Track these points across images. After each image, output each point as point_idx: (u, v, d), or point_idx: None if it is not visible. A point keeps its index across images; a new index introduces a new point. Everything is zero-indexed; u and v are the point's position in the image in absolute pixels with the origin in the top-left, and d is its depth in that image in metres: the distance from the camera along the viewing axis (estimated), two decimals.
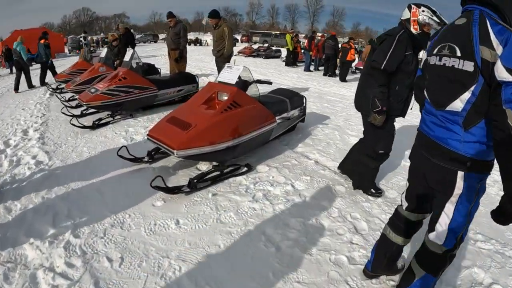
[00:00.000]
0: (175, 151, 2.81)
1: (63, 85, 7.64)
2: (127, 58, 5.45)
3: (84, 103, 4.70)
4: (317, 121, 5.42)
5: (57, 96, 6.49)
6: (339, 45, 12.03)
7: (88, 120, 5.03)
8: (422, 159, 1.53)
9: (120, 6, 77.33)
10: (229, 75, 3.52)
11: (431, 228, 1.53)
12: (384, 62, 2.40)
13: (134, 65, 5.44)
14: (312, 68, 13.15)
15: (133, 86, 5.01)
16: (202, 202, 2.82)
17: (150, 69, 6.52)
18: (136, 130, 4.63)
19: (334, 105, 7.17)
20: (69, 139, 4.35)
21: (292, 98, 4.25)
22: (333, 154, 3.96)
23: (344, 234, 2.41)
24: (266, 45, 20.01)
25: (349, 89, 9.71)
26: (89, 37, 22.63)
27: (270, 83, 3.89)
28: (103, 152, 3.89)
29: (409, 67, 2.48)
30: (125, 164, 3.47)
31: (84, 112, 5.29)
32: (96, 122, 4.67)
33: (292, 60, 14.10)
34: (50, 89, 7.65)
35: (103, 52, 6.73)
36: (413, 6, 2.44)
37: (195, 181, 3.00)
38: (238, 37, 38.11)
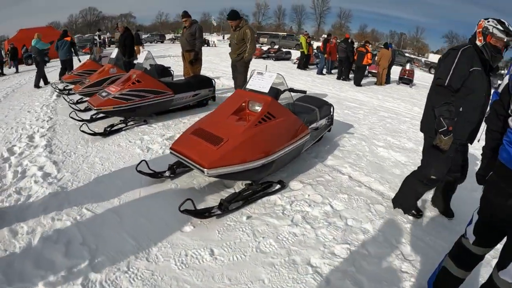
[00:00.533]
0: (205, 170, 2.43)
1: (70, 86, 7.30)
2: (140, 59, 5.07)
3: (95, 108, 4.32)
4: (341, 130, 5.09)
5: (64, 98, 6.12)
6: (354, 48, 11.73)
7: (98, 126, 4.65)
8: (502, 194, 1.43)
9: (126, 6, 77.66)
10: (261, 82, 3.14)
11: (503, 264, 1.43)
12: (448, 78, 2.19)
13: (148, 67, 5.07)
14: (324, 71, 12.76)
15: (147, 90, 4.63)
16: (237, 227, 2.47)
17: (163, 71, 6.15)
18: (152, 138, 4.24)
19: (355, 112, 6.80)
20: (79, 147, 3.96)
21: (321, 107, 3.97)
22: (365, 168, 3.74)
23: (392, 262, 2.23)
24: (276, 46, 19.57)
25: (365, 94, 9.37)
26: (103, 36, 22.34)
27: (304, 92, 3.54)
28: (117, 164, 3.51)
29: (476, 85, 2.24)
30: (144, 179, 3.08)
31: (94, 116, 4.91)
32: (108, 129, 4.29)
33: (304, 63, 13.74)
34: (57, 90, 7.29)
35: (113, 52, 6.34)
36: (481, 19, 2.27)
37: (227, 202, 2.62)
38: None
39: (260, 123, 2.79)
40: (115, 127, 4.42)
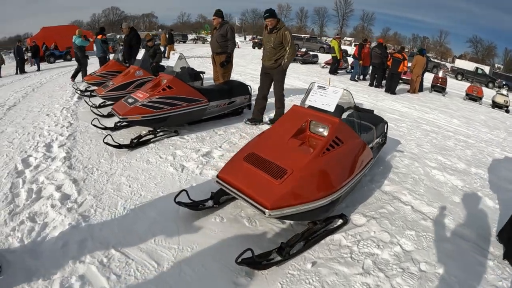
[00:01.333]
0: (267, 211, 1.87)
1: (92, 88, 6.89)
2: (171, 62, 4.54)
3: (120, 117, 3.79)
4: (390, 147, 4.49)
5: (86, 101, 5.66)
6: (388, 54, 11.04)
7: (124, 136, 4.14)
8: None
9: (148, 6, 78.31)
10: (324, 99, 2.60)
11: None
12: None
13: (179, 70, 4.53)
14: (356, 77, 12.09)
15: (179, 97, 4.09)
16: (302, 278, 1.97)
17: (193, 75, 5.63)
18: (185, 154, 3.67)
19: (398, 125, 6.12)
20: (102, 161, 3.44)
21: (378, 125, 3.52)
22: (425, 195, 3.25)
23: None
24: (303, 49, 18.87)
25: (402, 104, 8.65)
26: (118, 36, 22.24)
27: (371, 111, 3.04)
28: (148, 186, 2.95)
29: None
30: (182, 209, 2.51)
31: (118, 124, 4.40)
32: (135, 141, 3.76)
33: (335, 68, 13.00)
34: (78, 92, 6.87)
35: (139, 53, 5.85)
36: None
37: (288, 247, 2.07)
38: None
39: (328, 150, 2.29)
40: (143, 139, 3.88)
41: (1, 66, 12.07)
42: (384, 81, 10.91)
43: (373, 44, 12.45)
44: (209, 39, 13.41)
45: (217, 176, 2.22)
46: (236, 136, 4.32)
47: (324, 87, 2.68)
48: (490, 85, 21.51)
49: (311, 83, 2.91)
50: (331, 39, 14.93)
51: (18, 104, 6.45)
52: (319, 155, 2.21)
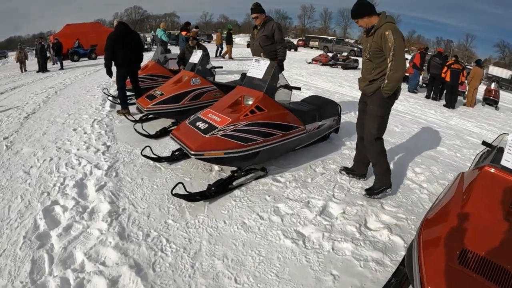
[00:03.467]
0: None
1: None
2: (253, 71, 3.23)
3: (193, 153, 2.42)
4: None
5: (126, 117, 4.40)
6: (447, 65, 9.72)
7: (184, 170, 2.84)
8: None
9: (171, 6, 78.04)
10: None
11: None
12: None
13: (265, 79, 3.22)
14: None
15: (274, 124, 2.81)
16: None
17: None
18: (294, 210, 2.35)
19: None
20: (171, 223, 2.15)
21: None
22: None
23: None
24: (345, 54, 17.37)
25: (472, 122, 7.15)
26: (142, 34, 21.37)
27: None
28: (264, 278, 1.65)
29: None
30: None
31: (176, 154, 3.12)
32: (214, 189, 2.46)
33: None
34: (110, 99, 5.66)
35: (195, 55, 4.52)
36: None
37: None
38: (295, 41, 34.12)
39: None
40: (225, 183, 2.57)
41: (25, 61, 11.78)
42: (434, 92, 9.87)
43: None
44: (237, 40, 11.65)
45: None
46: (343, 177, 2.97)
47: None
48: None
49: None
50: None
51: (38, 111, 5.27)
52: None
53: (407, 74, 12.78)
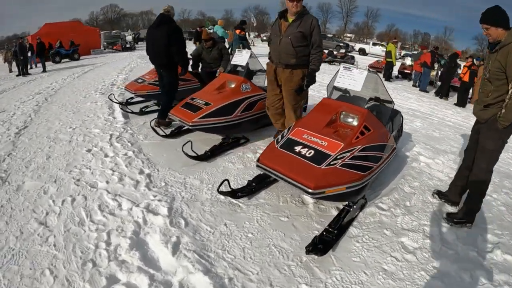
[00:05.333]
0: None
1: (135, 100, 4.81)
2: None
3: (313, 192, 1.81)
4: None
5: (156, 130, 3.50)
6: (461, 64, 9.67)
7: (273, 206, 2.04)
8: None
9: (147, 3, 75.97)
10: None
11: None
12: None
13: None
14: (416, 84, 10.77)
15: (379, 145, 2.28)
16: None
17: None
18: (416, 240, 2.02)
19: None
20: (303, 286, 1.37)
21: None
22: None
23: None
24: (342, 50, 16.98)
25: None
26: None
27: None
28: None
29: None
30: None
31: (254, 185, 2.31)
32: (335, 231, 1.76)
33: (389, 74, 11.36)
34: (124, 108, 4.72)
35: (240, 55, 3.58)
36: None
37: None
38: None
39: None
40: (343, 222, 1.86)
41: (13, 62, 10.54)
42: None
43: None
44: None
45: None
46: (434, 198, 2.38)
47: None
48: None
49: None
50: (387, 42, 13.10)
51: (30, 125, 4.26)
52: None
53: (407, 71, 12.65)
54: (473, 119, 2.43)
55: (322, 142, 2.13)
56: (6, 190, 2.47)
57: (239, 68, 3.87)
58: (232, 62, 3.67)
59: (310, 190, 1.81)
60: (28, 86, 7.67)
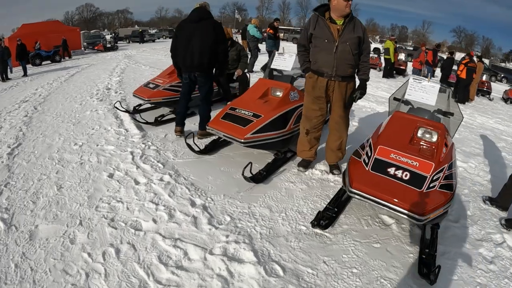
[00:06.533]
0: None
1: (144, 107, 4.28)
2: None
3: (424, 219, 1.68)
4: None
5: (192, 148, 2.92)
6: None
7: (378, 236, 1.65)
8: None
9: (123, 2, 74.07)
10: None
11: None
12: None
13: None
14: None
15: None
16: None
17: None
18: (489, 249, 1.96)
19: None
20: None
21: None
22: None
23: None
24: None
25: (490, 118, 6.77)
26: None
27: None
28: None
29: None
30: None
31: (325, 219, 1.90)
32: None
33: (389, 71, 11.21)
34: (135, 117, 4.10)
35: (284, 58, 3.04)
36: None
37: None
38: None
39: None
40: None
41: None
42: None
43: None
44: None
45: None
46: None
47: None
48: (493, 78, 20.50)
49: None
50: (387, 40, 12.89)
51: (24, 141, 3.59)
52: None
53: (402, 67, 12.55)
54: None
55: (413, 162, 1.98)
56: (16, 240, 1.86)
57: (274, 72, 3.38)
58: (272, 66, 3.14)
59: (421, 218, 1.70)
60: (11, 92, 6.80)
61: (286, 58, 3.04)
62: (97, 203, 2.18)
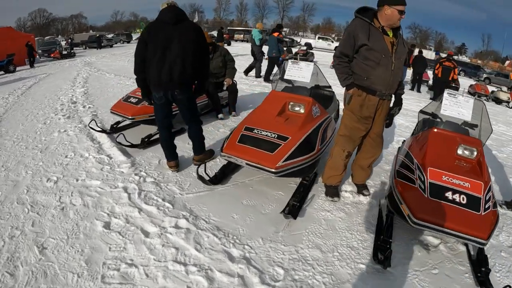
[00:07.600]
0: None
1: (122, 125, 3.78)
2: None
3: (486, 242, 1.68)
4: None
5: (204, 180, 2.44)
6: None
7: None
8: None
9: (76, 7, 71.01)
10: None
11: None
12: None
13: None
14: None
15: None
16: None
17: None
18: None
19: None
20: None
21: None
22: None
23: None
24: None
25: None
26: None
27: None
28: None
29: None
30: None
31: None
32: None
33: None
34: (117, 139, 3.52)
35: (300, 68, 2.68)
36: None
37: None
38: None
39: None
40: None
41: None
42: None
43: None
44: None
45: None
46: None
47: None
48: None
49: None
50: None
51: None
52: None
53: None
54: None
55: (464, 184, 1.95)
56: None
57: (273, 78, 3.07)
58: (286, 77, 2.76)
59: (485, 242, 1.71)
60: None
61: (303, 67, 2.68)
62: (101, 271, 1.67)
